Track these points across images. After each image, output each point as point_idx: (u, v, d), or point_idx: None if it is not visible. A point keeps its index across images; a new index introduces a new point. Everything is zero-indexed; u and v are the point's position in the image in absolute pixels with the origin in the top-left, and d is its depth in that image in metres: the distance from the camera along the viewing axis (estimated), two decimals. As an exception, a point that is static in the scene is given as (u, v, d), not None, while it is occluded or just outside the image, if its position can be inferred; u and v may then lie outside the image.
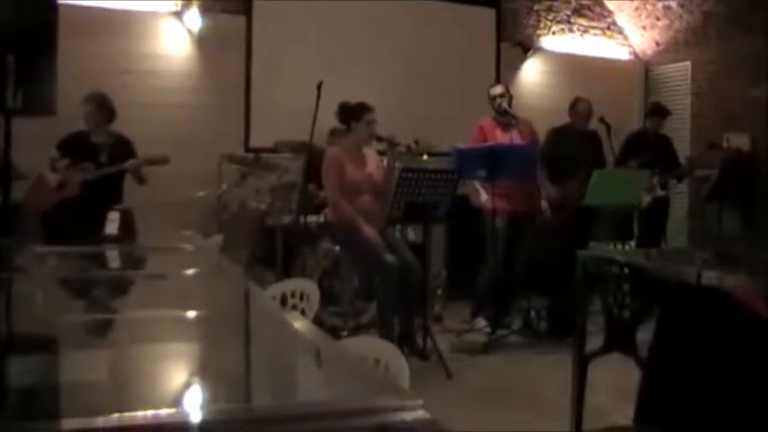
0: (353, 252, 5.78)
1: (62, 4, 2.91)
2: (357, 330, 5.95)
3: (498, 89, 6.66)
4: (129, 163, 5.82)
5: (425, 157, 7.14)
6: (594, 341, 4.06)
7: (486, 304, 6.58)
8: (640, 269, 3.79)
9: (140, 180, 5.96)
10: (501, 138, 6.49)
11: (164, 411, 1.52)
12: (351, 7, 8.06)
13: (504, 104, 6.57)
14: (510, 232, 6.44)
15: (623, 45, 10.01)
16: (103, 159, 5.78)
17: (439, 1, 8.56)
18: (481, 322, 6.49)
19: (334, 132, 6.49)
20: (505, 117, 6.60)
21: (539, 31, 9.41)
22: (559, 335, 6.13)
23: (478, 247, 6.57)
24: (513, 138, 6.52)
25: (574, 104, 7.06)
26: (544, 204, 6.72)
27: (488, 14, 9.03)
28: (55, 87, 2.83)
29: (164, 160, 5.87)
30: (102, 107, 5.94)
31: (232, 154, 7.01)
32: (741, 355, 2.69)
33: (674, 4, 9.09)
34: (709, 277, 3.13)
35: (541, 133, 7.00)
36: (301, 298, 3.46)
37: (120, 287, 3.46)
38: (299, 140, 6.41)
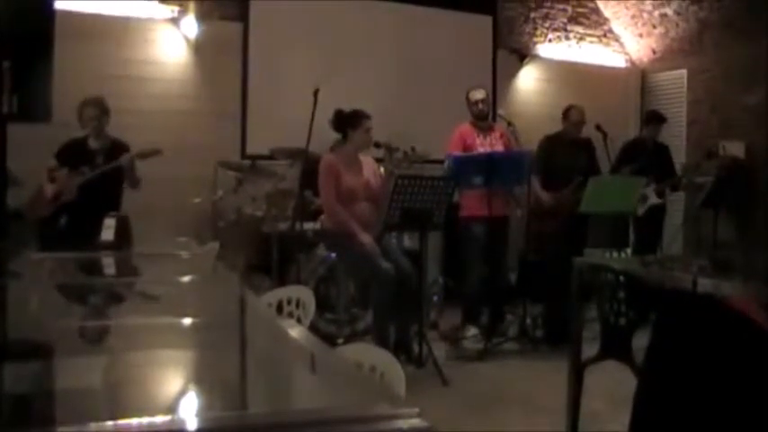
0: (349, 259, 5.77)
1: (59, 11, 2.90)
2: (353, 337, 5.95)
3: (479, 94, 6.67)
4: (123, 157, 5.75)
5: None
6: (590, 348, 4.07)
7: (475, 311, 6.60)
8: (636, 276, 3.80)
9: (134, 182, 5.90)
10: (480, 143, 6.56)
11: (159, 419, 1.52)
12: (347, 14, 8.07)
13: (485, 109, 6.65)
14: (490, 238, 6.45)
15: (619, 53, 10.03)
16: (100, 162, 5.76)
17: (436, 8, 8.58)
18: (472, 330, 6.49)
19: (334, 149, 6.43)
20: (484, 122, 6.66)
21: (535, 39, 9.43)
22: (555, 342, 6.13)
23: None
24: (493, 142, 6.61)
25: (566, 112, 7.09)
26: (520, 211, 6.74)
27: (485, 22, 9.05)
28: (50, 93, 2.82)
29: (156, 152, 5.82)
30: (105, 110, 5.94)
31: (228, 161, 7.01)
32: (737, 363, 2.69)
33: (670, 12, 9.12)
34: (705, 284, 3.13)
35: (537, 140, 7.04)
36: (297, 305, 3.45)
37: (115, 294, 3.46)
38: (296, 147, 6.40)
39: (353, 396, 1.81)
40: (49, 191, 5.42)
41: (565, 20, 9.62)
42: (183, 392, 1.91)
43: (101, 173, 5.63)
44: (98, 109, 5.91)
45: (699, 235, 8.48)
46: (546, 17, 9.49)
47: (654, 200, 7.44)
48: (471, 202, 6.48)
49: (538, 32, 9.45)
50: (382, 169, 6.17)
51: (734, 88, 8.59)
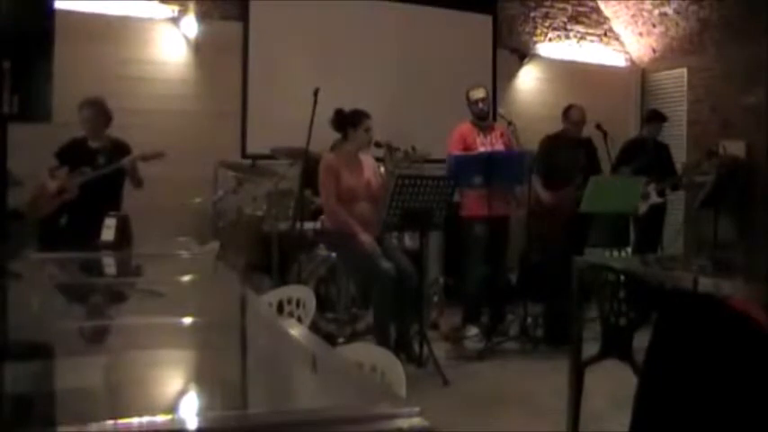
0: (350, 259, 5.77)
1: (59, 10, 2.90)
2: (353, 337, 5.95)
3: (479, 93, 6.66)
4: (126, 159, 5.78)
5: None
6: (591, 348, 4.07)
7: (476, 311, 6.60)
8: (636, 276, 3.80)
9: (137, 182, 5.93)
10: (481, 142, 6.57)
11: (160, 418, 1.52)
12: (347, 13, 8.07)
13: (485, 108, 6.65)
14: (491, 237, 6.45)
15: (620, 52, 10.03)
16: (101, 162, 5.77)
17: (436, 7, 8.57)
18: (473, 330, 6.50)
19: (334, 148, 6.45)
20: (484, 121, 6.66)
21: (535, 38, 9.43)
22: (556, 341, 6.13)
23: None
24: (493, 142, 6.62)
25: (567, 112, 7.08)
26: (520, 211, 6.74)
27: (485, 21, 9.04)
28: (51, 93, 2.82)
29: (159, 155, 5.83)
30: (101, 112, 5.96)
31: (228, 160, 7.01)
32: (737, 363, 2.69)
33: (670, 12, 9.11)
34: (706, 284, 3.13)
35: (538, 140, 7.04)
36: (297, 305, 3.45)
37: (116, 294, 3.46)
38: (296, 147, 6.39)
39: (354, 395, 1.81)
40: (51, 186, 5.43)
41: (565, 19, 9.61)
42: (183, 392, 1.91)
43: (102, 174, 5.64)
44: (94, 110, 5.92)
45: (699, 234, 8.48)
46: (546, 16, 9.49)
47: (654, 199, 7.44)
48: (472, 202, 6.48)
49: (538, 32, 9.45)
50: (382, 169, 6.17)
51: (734, 87, 8.59)
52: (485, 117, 6.69)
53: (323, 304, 5.92)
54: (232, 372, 2.11)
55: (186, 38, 7.46)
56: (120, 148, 5.93)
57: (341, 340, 5.78)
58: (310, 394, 1.92)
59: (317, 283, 6.13)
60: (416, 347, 5.57)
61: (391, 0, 8.36)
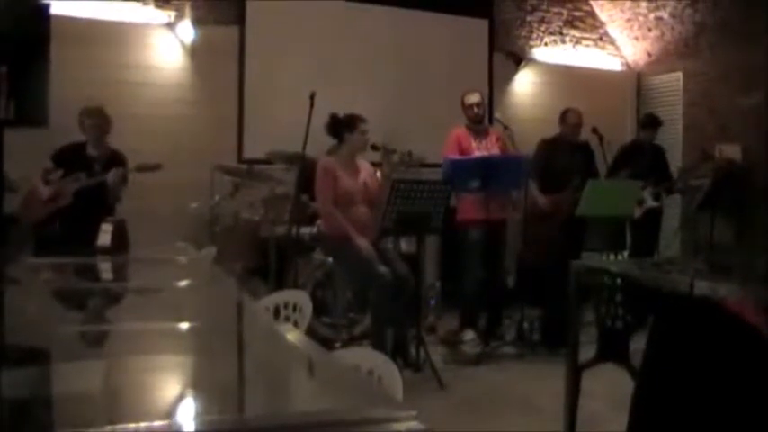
0: (346, 263, 5.76)
1: (54, 15, 2.91)
2: (350, 342, 5.95)
3: (473, 97, 6.67)
4: (112, 173, 5.66)
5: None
6: (587, 351, 4.07)
7: (473, 315, 6.59)
8: (633, 279, 3.80)
9: (115, 198, 5.83)
10: (476, 147, 6.57)
11: (157, 423, 1.52)
12: (344, 18, 8.08)
13: (481, 113, 6.66)
14: (487, 241, 6.45)
15: (615, 56, 10.05)
16: (97, 171, 5.76)
17: (432, 12, 8.58)
18: (470, 334, 6.49)
19: (331, 153, 6.46)
20: (479, 126, 6.66)
21: (531, 42, 9.44)
22: (552, 345, 6.13)
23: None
24: (489, 146, 6.61)
25: (564, 115, 7.09)
26: (517, 215, 6.73)
27: (481, 25, 9.05)
28: (47, 99, 2.83)
29: (155, 167, 5.83)
30: (104, 121, 5.95)
31: (225, 165, 7.01)
32: (733, 365, 2.69)
33: (665, 15, 9.13)
34: (702, 287, 3.13)
35: (534, 144, 7.04)
36: (294, 309, 3.45)
37: (113, 299, 3.46)
38: (292, 151, 6.39)
39: (351, 399, 1.81)
40: (44, 193, 5.43)
41: (561, 23, 9.63)
42: (180, 397, 1.91)
43: (96, 183, 5.62)
44: (98, 119, 5.92)
45: (696, 237, 8.49)
46: (542, 21, 9.51)
47: (651, 203, 7.45)
48: (468, 206, 6.48)
49: (534, 36, 9.46)
50: (379, 173, 6.18)
51: (730, 91, 8.60)
52: (480, 121, 6.69)
53: (320, 309, 5.93)
54: (229, 376, 2.11)
55: (182, 42, 7.47)
56: (117, 159, 5.91)
57: (338, 345, 5.78)
58: (307, 398, 1.92)
59: (314, 287, 6.12)
60: (413, 351, 5.57)
61: (387, 5, 8.37)
